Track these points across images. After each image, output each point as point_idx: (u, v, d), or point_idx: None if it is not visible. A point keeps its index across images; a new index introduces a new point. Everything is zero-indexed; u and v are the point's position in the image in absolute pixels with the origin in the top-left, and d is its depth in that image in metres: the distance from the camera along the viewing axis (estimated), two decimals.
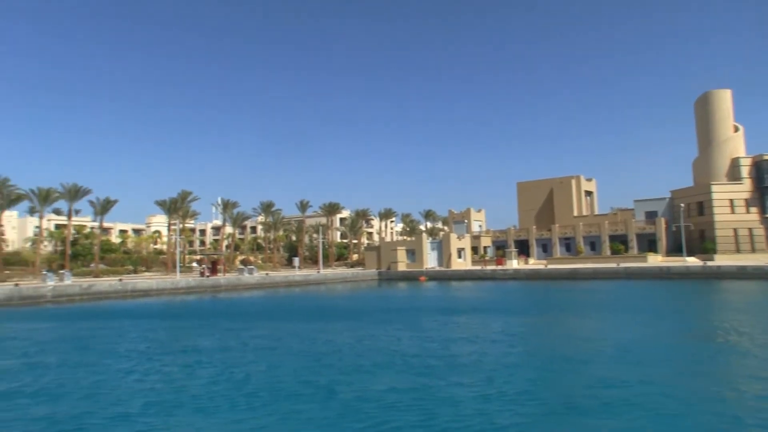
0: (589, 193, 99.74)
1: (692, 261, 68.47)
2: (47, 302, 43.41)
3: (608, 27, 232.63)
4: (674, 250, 78.54)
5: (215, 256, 77.81)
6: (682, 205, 76.93)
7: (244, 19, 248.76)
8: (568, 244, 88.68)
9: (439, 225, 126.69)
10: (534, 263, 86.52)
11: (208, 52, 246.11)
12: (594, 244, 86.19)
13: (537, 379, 14.13)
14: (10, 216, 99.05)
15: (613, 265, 69.81)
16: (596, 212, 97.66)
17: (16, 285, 45.91)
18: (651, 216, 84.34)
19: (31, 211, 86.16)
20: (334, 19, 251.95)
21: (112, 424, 11.10)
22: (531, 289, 52.18)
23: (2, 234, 70.97)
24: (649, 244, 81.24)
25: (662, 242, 79.91)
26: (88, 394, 13.38)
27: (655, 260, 73.65)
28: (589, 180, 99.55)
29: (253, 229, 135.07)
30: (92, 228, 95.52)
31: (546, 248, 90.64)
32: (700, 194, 79.78)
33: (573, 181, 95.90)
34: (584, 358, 16.81)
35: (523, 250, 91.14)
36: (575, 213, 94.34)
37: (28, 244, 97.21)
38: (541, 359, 16.98)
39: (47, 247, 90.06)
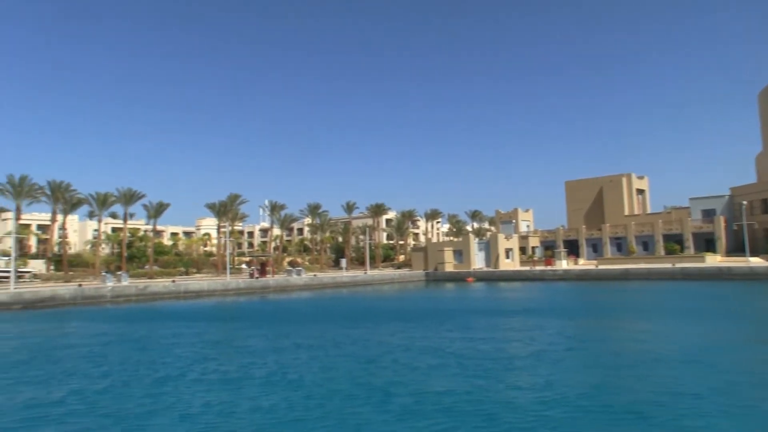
0: (641, 192, 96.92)
1: (756, 261, 65.19)
2: (107, 302, 45.05)
3: (663, 22, 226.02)
4: (735, 249, 75.10)
5: (264, 258, 78.99)
6: (744, 202, 73.30)
7: (285, 22, 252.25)
8: (620, 244, 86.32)
9: (486, 225, 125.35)
10: (584, 263, 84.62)
11: (254, 57, 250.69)
12: (647, 244, 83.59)
13: (599, 384, 13.64)
14: (72, 220, 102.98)
15: (668, 265, 67.36)
16: (648, 211, 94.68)
17: (80, 285, 47.75)
18: (708, 214, 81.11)
19: (90, 215, 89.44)
20: (377, 21, 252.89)
21: (175, 422, 11.30)
22: (582, 290, 51.02)
23: (65, 237, 73.97)
24: (706, 244, 78.01)
25: (721, 242, 76.52)
26: (150, 393, 13.69)
27: (714, 260, 70.72)
28: (640, 178, 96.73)
29: (300, 230, 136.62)
30: (146, 231, 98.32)
31: (596, 248, 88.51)
32: (765, 191, 76.23)
33: (624, 180, 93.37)
34: (648, 364, 16.12)
35: (573, 250, 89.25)
36: (626, 212, 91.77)
37: (88, 247, 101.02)
38: (601, 363, 16.43)
39: (105, 250, 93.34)
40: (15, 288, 44.07)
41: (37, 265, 70.77)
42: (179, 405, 12.53)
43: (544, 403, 11.87)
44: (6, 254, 68.36)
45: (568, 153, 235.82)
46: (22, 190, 61.15)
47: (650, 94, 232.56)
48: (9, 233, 71.15)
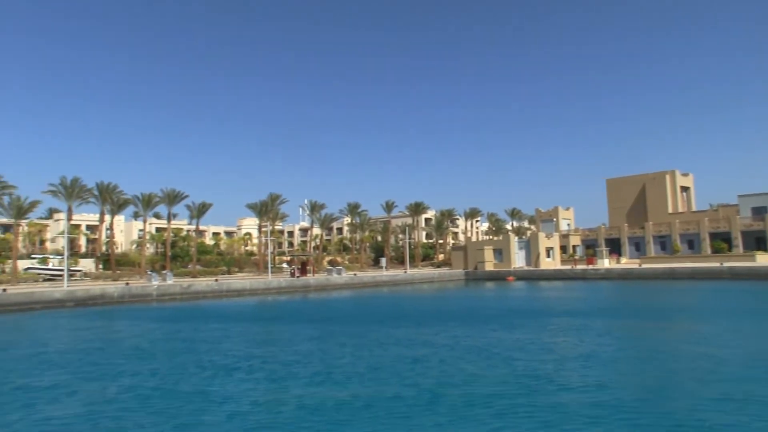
0: (685, 189, 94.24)
1: None
2: (153, 300, 46.32)
3: (713, 19, 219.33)
4: None
5: (304, 257, 79.82)
6: None
7: (324, 25, 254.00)
8: (663, 243, 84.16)
9: (526, 224, 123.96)
10: (626, 262, 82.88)
11: (291, 59, 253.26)
12: (692, 243, 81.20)
13: (655, 388, 13.19)
14: (118, 220, 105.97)
15: (716, 264, 64.97)
16: (694, 209, 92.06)
17: (127, 284, 49.20)
18: (759, 212, 78.09)
19: (136, 216, 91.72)
20: (412, 21, 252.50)
21: (224, 421, 11.44)
22: (627, 289, 49.93)
23: (112, 237, 76.27)
24: (756, 243, 75.04)
25: None
26: (199, 390, 13.93)
27: (765, 259, 68.33)
28: (685, 175, 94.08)
29: (340, 230, 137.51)
30: (188, 231, 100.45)
31: (639, 247, 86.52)
32: None
33: (668, 177, 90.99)
34: (706, 367, 15.44)
35: (615, 248, 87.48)
36: (670, 210, 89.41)
37: (134, 246, 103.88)
38: (656, 366, 15.92)
39: (149, 249, 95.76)
40: (68, 286, 45.75)
41: (87, 264, 73.13)
42: (228, 403, 12.71)
43: (598, 406, 11.56)
44: (59, 253, 70.78)
45: (609, 151, 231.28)
46: (73, 192, 63.29)
47: (696, 91, 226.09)
48: (62, 233, 73.68)
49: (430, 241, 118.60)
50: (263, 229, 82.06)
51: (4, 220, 69.40)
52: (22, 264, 64.19)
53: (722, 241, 77.37)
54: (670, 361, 16.61)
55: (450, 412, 11.48)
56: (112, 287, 46.98)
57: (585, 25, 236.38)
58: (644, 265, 72.59)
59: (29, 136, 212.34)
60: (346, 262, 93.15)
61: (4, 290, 42.17)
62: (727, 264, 63.94)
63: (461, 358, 17.41)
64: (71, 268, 58.05)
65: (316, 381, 14.73)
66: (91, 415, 12.03)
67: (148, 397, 13.48)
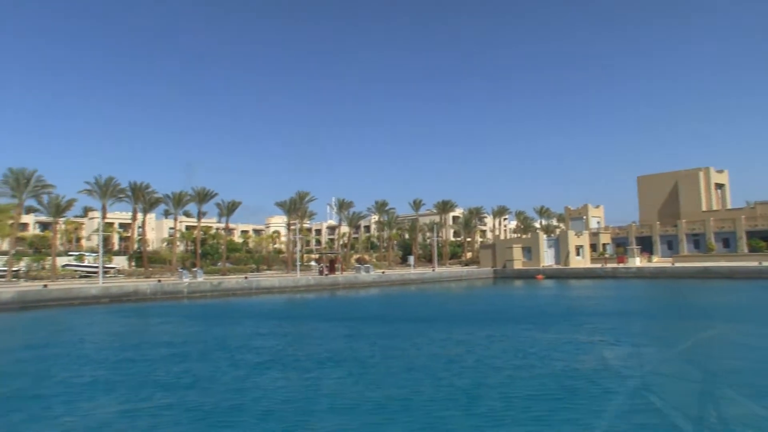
0: (720, 186, 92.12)
1: None
2: (184, 297, 46.98)
3: (748, 12, 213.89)
4: None
5: (332, 255, 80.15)
6: None
7: (348, 22, 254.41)
8: (697, 241, 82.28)
9: (554, 222, 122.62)
10: (658, 261, 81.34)
11: (317, 53, 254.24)
12: (727, 241, 79.20)
13: (701, 393, 12.44)
14: (150, 218, 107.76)
15: (754, 263, 62.85)
16: (729, 206, 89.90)
17: (159, 281, 50.04)
18: None
19: (166, 214, 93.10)
20: (439, 17, 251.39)
21: (258, 419, 11.47)
22: (660, 289, 48.89)
23: (144, 235, 77.70)
24: None
25: None
26: (234, 388, 14.00)
27: None
28: (719, 172, 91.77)
29: (367, 228, 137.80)
30: (218, 229, 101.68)
31: (671, 245, 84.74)
32: None
33: (701, 174, 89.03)
34: (756, 370, 14.74)
35: (646, 247, 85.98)
36: (704, 207, 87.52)
37: (165, 244, 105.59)
38: (700, 368, 15.21)
39: (179, 247, 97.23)
40: (103, 283, 46.75)
41: (120, 262, 74.65)
42: (261, 401, 12.71)
43: (643, 409, 11.19)
44: (94, 251, 72.37)
45: (640, 148, 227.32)
46: (107, 191, 64.59)
47: (731, 86, 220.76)
48: (96, 231, 75.22)
49: (458, 239, 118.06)
50: (292, 227, 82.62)
51: (43, 218, 71.16)
52: (60, 261, 65.82)
53: (761, 240, 75.29)
54: (716, 363, 15.98)
55: (488, 414, 11.28)
56: (145, 284, 47.82)
57: (611, 17, 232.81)
58: (677, 264, 71.18)
59: (61, 136, 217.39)
60: (374, 260, 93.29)
61: (45, 286, 43.34)
62: (766, 263, 62.11)
63: (497, 357, 17.14)
64: (105, 265, 59.35)
65: (349, 381, 14.67)
66: (129, 412, 12.18)
67: (184, 394, 13.58)
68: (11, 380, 15.98)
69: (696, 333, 22.36)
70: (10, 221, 59.17)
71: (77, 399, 13.42)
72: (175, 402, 12.90)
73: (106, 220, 78.83)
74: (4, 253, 60.28)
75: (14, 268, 56.65)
